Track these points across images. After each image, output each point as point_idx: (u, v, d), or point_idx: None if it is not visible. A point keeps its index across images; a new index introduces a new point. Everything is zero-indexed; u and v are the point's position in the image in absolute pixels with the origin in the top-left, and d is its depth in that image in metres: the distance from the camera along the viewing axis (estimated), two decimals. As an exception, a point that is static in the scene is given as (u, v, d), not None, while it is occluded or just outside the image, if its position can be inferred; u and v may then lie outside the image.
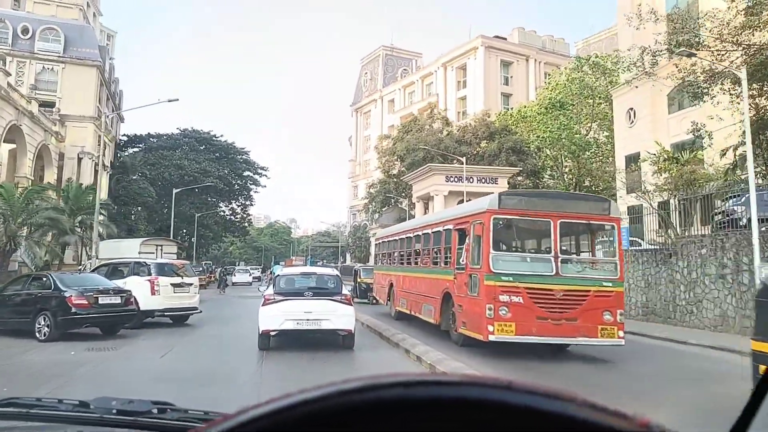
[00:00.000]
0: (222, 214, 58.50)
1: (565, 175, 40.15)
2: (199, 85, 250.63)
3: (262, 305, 10.37)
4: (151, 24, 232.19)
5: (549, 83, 44.46)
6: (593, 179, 38.84)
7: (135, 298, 12.70)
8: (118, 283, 13.05)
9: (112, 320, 11.69)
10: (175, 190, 39.42)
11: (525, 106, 45.84)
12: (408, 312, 14.36)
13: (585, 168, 38.94)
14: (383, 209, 49.05)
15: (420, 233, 13.91)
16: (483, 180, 34.59)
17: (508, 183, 34.64)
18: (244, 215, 61.13)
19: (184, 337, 12.45)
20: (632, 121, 34.06)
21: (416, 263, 14.17)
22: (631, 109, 34.04)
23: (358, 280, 24.14)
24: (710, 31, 17.06)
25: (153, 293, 13.33)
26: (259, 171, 57.60)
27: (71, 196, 27.11)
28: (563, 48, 64.02)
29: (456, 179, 34.26)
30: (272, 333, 10.30)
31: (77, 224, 26.72)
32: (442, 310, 11.42)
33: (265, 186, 59.37)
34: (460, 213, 11.40)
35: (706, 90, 18.38)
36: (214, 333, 13.41)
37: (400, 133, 46.83)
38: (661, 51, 17.98)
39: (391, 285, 16.36)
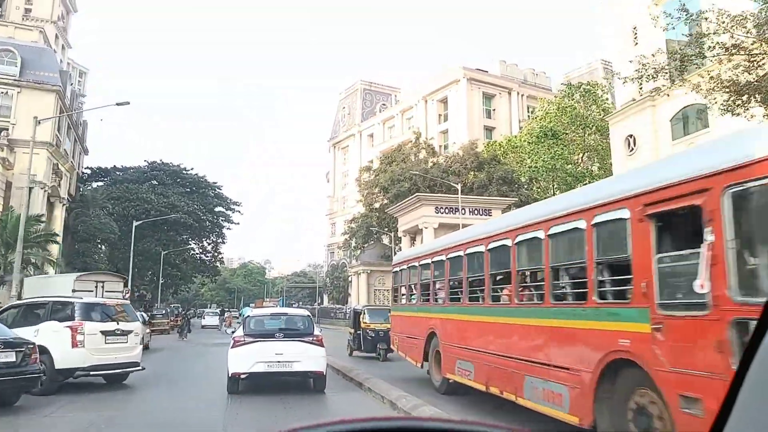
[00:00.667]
0: (192, 252, 54.82)
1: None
2: (170, 122, 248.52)
3: (232, 347, 10.02)
4: (124, 60, 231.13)
5: (539, 111, 42.73)
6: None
7: (48, 352, 9.38)
8: (28, 331, 9.67)
9: (2, 387, 8.11)
10: (135, 223, 35.81)
11: (515, 136, 43.96)
12: (481, 386, 8.20)
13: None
14: (365, 245, 46.00)
15: (507, 242, 7.55)
16: (475, 211, 32.06)
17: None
18: (215, 254, 57.41)
19: (111, 409, 8.76)
20: (632, 149, 32.09)
21: (497, 299, 8.11)
22: (630, 136, 32.12)
23: (362, 325, 17.00)
24: (749, 31, 14.95)
25: (75, 345, 9.72)
26: (232, 206, 54.61)
27: (9, 227, 23.40)
28: (545, 81, 63.11)
29: (446, 210, 31.67)
30: (242, 376, 9.67)
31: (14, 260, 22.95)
32: (598, 394, 5.55)
33: (237, 223, 55.98)
34: (667, 179, 4.87)
35: (741, 102, 16.19)
36: (156, 402, 9.74)
37: (383, 164, 44.34)
38: (690, 54, 15.78)
39: (432, 335, 10.38)
